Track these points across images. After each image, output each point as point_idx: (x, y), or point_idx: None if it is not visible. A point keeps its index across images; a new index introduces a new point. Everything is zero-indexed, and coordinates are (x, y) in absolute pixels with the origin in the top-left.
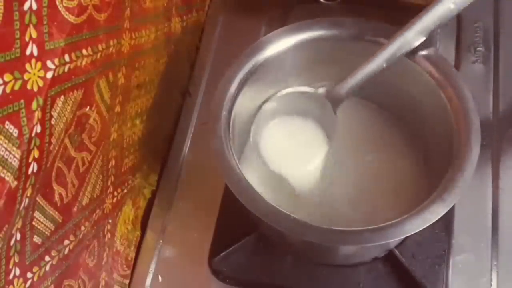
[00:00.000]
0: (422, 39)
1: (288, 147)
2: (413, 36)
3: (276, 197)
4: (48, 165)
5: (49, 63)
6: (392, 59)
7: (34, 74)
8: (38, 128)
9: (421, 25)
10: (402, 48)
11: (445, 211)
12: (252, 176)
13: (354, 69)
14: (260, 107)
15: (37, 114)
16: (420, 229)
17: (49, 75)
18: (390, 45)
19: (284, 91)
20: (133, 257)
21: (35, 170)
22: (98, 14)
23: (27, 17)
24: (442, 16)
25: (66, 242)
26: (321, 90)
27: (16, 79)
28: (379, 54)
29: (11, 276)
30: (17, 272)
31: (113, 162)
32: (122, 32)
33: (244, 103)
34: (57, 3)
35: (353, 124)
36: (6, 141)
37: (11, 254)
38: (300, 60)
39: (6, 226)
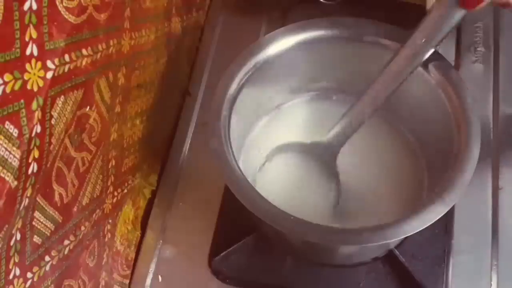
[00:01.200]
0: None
1: (292, 196)
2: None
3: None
4: (48, 165)
5: (49, 63)
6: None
7: (34, 74)
8: (38, 128)
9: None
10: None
11: (445, 211)
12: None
13: (354, 73)
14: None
15: (37, 114)
16: (420, 229)
17: (49, 75)
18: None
19: (276, 146)
20: (133, 257)
21: (35, 170)
22: (98, 14)
23: (27, 17)
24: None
25: (66, 242)
26: (315, 147)
27: (16, 79)
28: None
29: (11, 276)
30: (17, 272)
31: (113, 162)
32: (122, 32)
33: (244, 103)
34: (57, 3)
35: None
36: (6, 141)
37: (11, 254)
38: (300, 60)
39: (6, 226)
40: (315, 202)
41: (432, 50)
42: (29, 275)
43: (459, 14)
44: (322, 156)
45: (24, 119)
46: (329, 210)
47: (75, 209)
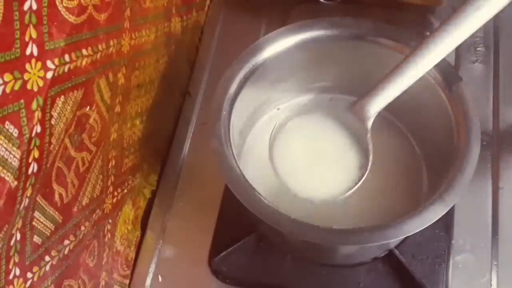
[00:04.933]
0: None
1: (311, 166)
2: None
3: (276, 195)
4: (48, 165)
5: (49, 63)
6: (423, 71)
7: (34, 74)
8: (38, 128)
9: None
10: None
11: (445, 211)
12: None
13: (354, 73)
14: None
15: (37, 114)
16: (420, 229)
17: (49, 75)
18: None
19: (299, 116)
20: (133, 257)
21: (35, 170)
22: (98, 14)
23: (27, 17)
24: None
25: (66, 242)
26: (347, 109)
27: (16, 79)
28: (411, 61)
29: (11, 276)
30: (17, 272)
31: (113, 162)
32: (122, 32)
33: (244, 103)
34: (57, 3)
35: None
36: (6, 141)
37: (11, 254)
38: (300, 60)
39: (6, 226)
40: (334, 178)
41: None
42: (29, 275)
43: None
44: (352, 125)
45: (24, 119)
46: (349, 187)
47: (75, 209)
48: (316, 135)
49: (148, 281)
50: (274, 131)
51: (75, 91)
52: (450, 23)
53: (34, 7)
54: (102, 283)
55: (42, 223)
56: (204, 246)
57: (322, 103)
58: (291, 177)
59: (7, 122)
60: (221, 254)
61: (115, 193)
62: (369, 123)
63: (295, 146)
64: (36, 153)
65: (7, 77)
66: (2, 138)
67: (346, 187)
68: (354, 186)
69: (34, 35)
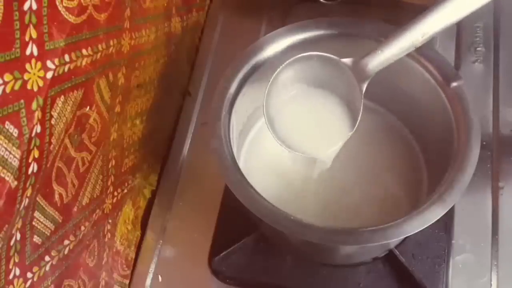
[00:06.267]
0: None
1: (307, 126)
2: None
3: (276, 195)
4: (48, 165)
5: (49, 63)
6: (429, 33)
7: (34, 74)
8: (38, 128)
9: None
10: (443, 21)
11: (445, 212)
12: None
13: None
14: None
15: (37, 114)
16: (420, 229)
17: (49, 75)
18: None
19: (303, 54)
20: (133, 257)
21: (35, 170)
22: (98, 14)
23: (27, 17)
24: None
25: (66, 242)
26: (346, 60)
27: (16, 79)
28: (418, 23)
29: (11, 276)
30: (17, 272)
31: (113, 162)
32: (122, 32)
33: (244, 103)
34: (57, 3)
35: None
36: (6, 141)
37: (11, 254)
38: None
39: (6, 226)
40: (324, 135)
41: None
42: (29, 275)
43: None
44: (347, 84)
45: (24, 119)
46: (342, 138)
47: (75, 209)
48: (313, 104)
49: (148, 281)
50: (269, 84)
51: (75, 91)
52: None
53: (34, 7)
54: (102, 283)
55: (42, 223)
56: (204, 246)
57: (321, 65)
58: (290, 139)
59: (7, 122)
60: (221, 254)
61: (115, 193)
62: (365, 85)
63: (295, 113)
64: (36, 153)
65: (7, 77)
66: (2, 138)
67: (334, 143)
68: (341, 143)
69: (34, 35)
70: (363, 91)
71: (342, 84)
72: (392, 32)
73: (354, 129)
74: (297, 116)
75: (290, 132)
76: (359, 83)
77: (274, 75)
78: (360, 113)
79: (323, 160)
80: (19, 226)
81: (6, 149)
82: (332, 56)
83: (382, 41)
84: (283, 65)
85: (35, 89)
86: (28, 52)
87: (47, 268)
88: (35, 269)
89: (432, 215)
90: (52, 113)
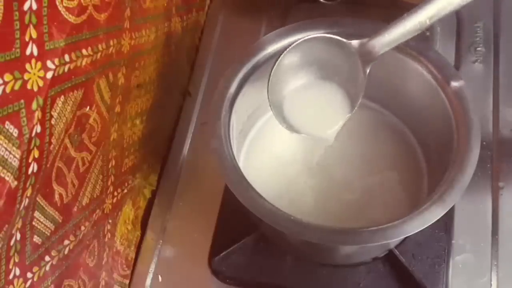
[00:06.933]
0: None
1: (311, 111)
2: None
3: (276, 195)
4: (48, 165)
5: (49, 63)
6: (435, 17)
7: (34, 74)
8: (38, 128)
9: None
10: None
11: (445, 212)
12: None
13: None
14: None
15: (37, 114)
16: (420, 229)
17: (49, 75)
18: None
19: (308, 36)
20: (133, 257)
21: (35, 170)
22: (98, 14)
23: (27, 17)
24: None
25: (66, 242)
26: (353, 42)
27: (16, 79)
28: (424, 6)
29: (11, 276)
30: (17, 272)
31: (113, 162)
32: (122, 32)
33: (244, 102)
34: (57, 3)
35: (353, 123)
36: (6, 141)
37: (11, 254)
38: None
39: (6, 226)
40: (326, 115)
41: None
42: (29, 275)
43: None
44: (350, 64)
45: (24, 119)
46: (342, 118)
47: (75, 209)
48: (314, 83)
49: (148, 281)
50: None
51: (75, 91)
52: None
53: (34, 7)
54: (102, 283)
55: (42, 223)
56: (204, 246)
57: (327, 47)
58: (295, 122)
59: (7, 122)
60: (221, 254)
61: (115, 193)
62: (369, 67)
63: (299, 98)
64: (36, 153)
65: (7, 77)
66: (2, 138)
67: (335, 123)
68: (341, 122)
69: (34, 35)
70: (367, 73)
71: (346, 68)
72: (399, 16)
73: (354, 110)
74: (301, 103)
75: (295, 117)
76: (363, 67)
77: (280, 57)
78: (361, 95)
79: (326, 138)
80: (19, 226)
81: (6, 149)
82: (339, 38)
83: (390, 24)
84: (290, 47)
85: (35, 89)
86: (28, 52)
87: (47, 268)
88: (35, 269)
89: (432, 215)
90: (52, 113)
